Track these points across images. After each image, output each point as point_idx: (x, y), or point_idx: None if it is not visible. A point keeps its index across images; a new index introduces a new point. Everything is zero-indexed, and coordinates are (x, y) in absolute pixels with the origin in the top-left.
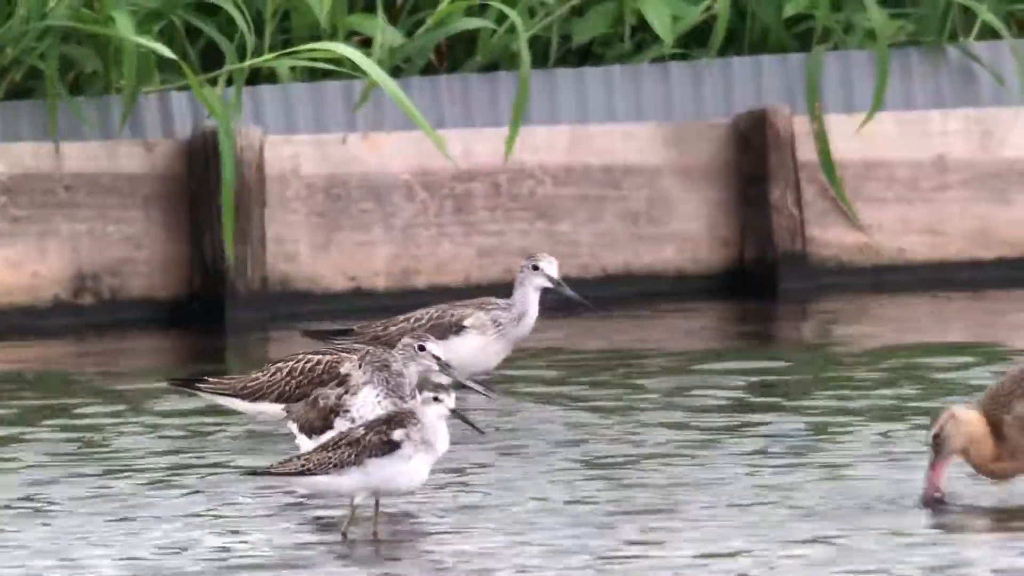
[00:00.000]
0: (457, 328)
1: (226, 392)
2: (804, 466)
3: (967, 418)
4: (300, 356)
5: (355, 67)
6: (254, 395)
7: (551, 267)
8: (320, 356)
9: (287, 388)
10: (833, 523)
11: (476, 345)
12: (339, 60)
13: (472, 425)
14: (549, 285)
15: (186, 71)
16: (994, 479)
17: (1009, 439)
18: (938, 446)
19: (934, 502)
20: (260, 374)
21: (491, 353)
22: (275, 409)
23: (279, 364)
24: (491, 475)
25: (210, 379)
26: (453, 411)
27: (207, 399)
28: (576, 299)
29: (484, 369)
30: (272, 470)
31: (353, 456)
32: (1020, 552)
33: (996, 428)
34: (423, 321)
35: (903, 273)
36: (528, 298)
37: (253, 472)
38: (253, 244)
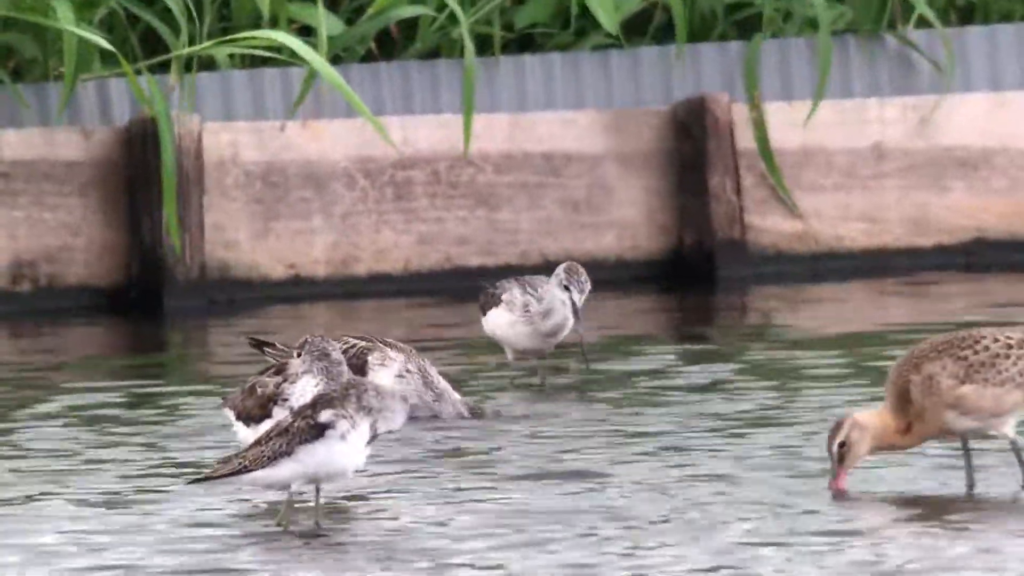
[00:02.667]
0: (497, 300)
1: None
2: (733, 454)
3: (869, 421)
4: (343, 339)
5: (295, 55)
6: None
7: (578, 295)
8: (355, 341)
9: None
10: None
11: (505, 321)
12: (278, 48)
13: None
14: (569, 309)
15: (122, 61)
16: (897, 450)
17: (915, 402)
18: (843, 456)
19: (841, 496)
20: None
21: (520, 334)
22: None
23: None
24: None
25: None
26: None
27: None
28: (583, 343)
29: (523, 347)
30: (212, 475)
31: (284, 445)
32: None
33: (903, 394)
34: (492, 289)
35: (841, 260)
36: (554, 302)
37: (194, 480)
38: (192, 231)
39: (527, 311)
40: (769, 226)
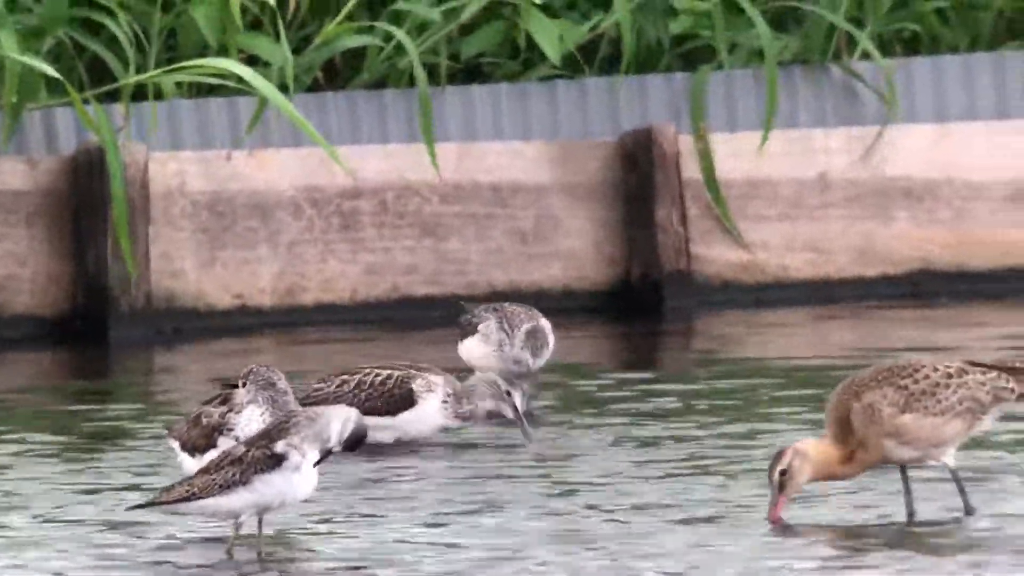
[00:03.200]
0: (473, 329)
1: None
2: (685, 475)
3: (811, 450)
4: (368, 369)
5: (242, 84)
6: (319, 405)
7: (519, 397)
8: (391, 370)
9: (355, 401)
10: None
11: (479, 352)
12: (224, 76)
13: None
14: (524, 361)
15: (68, 88)
16: (838, 479)
17: (856, 429)
18: (783, 484)
19: (777, 524)
20: (324, 384)
21: (494, 366)
22: None
23: (343, 376)
24: (383, 488)
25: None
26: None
27: None
28: (528, 399)
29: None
30: (157, 500)
31: (239, 475)
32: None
33: (843, 422)
34: (473, 314)
35: (786, 290)
36: (518, 353)
37: (139, 505)
38: (138, 261)
39: (500, 349)
40: (715, 257)
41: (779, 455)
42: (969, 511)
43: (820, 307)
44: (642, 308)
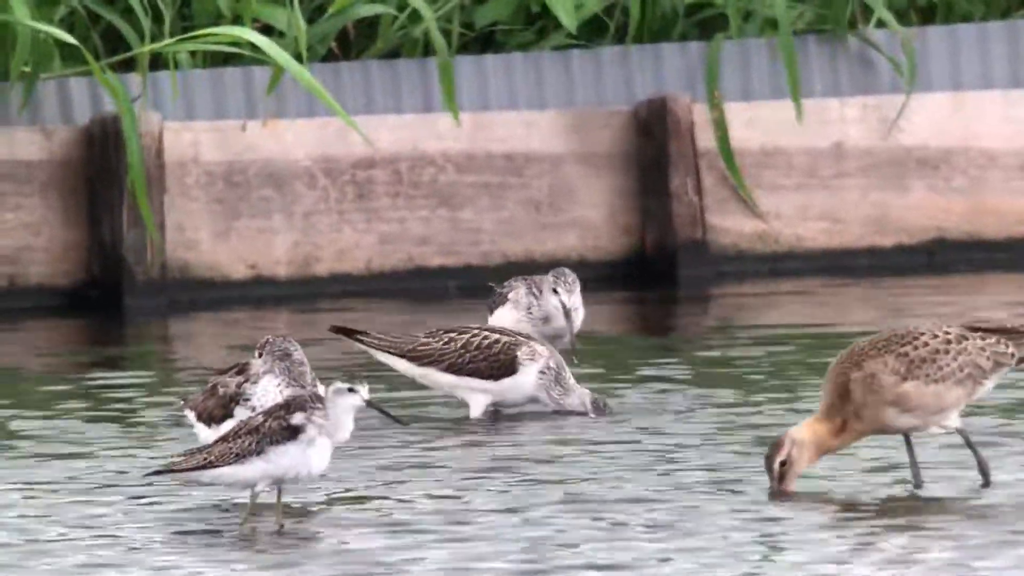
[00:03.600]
0: (503, 299)
1: (391, 350)
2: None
3: (805, 436)
4: (476, 331)
5: (256, 53)
6: (423, 359)
7: (568, 297)
8: (499, 335)
9: (459, 360)
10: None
11: (510, 319)
12: (239, 45)
13: (390, 416)
14: (561, 309)
15: (87, 57)
16: (833, 452)
17: (854, 398)
18: (784, 474)
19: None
20: (431, 339)
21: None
22: (442, 377)
23: (451, 334)
24: (394, 471)
25: (373, 333)
26: (368, 402)
27: (368, 352)
28: (573, 343)
29: None
30: (174, 467)
31: (254, 444)
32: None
33: (842, 391)
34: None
35: (801, 260)
36: (549, 308)
37: (156, 471)
38: (152, 230)
39: (529, 312)
40: (730, 226)
41: (777, 446)
42: (984, 473)
43: (835, 276)
44: (657, 277)
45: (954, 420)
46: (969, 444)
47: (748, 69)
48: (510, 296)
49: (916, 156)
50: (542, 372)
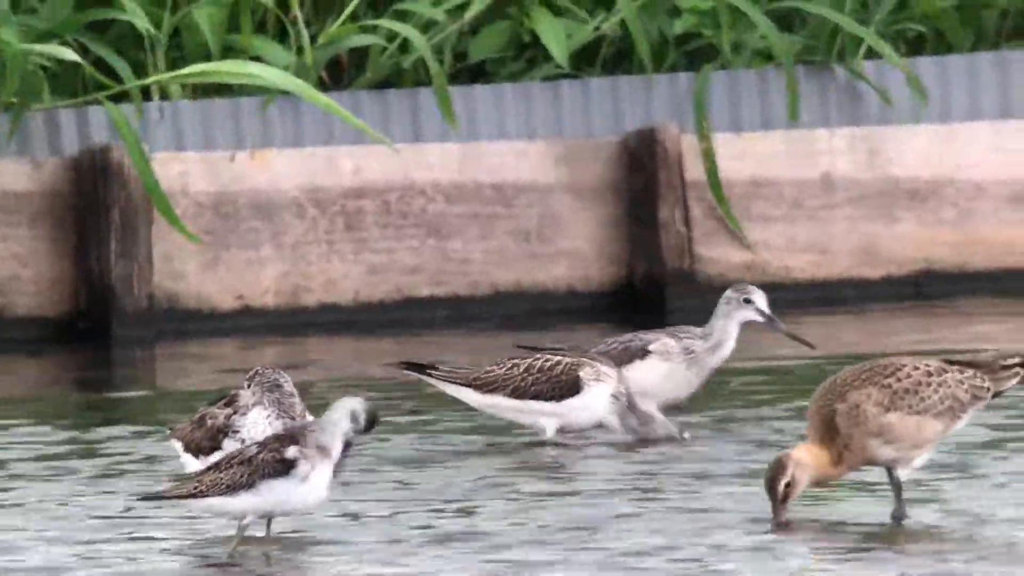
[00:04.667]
0: (643, 353)
1: (458, 381)
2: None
3: (808, 458)
4: (539, 355)
5: (243, 85)
6: (487, 387)
7: (762, 301)
8: (560, 357)
9: (522, 384)
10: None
11: (660, 371)
12: (227, 77)
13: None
14: (759, 319)
15: (104, 81)
16: (828, 482)
17: (841, 431)
18: (787, 495)
19: (785, 525)
20: (495, 367)
21: (679, 381)
22: (506, 403)
23: (515, 360)
24: (377, 491)
25: (442, 367)
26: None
27: (437, 385)
28: (790, 333)
29: (674, 397)
30: (165, 493)
31: (246, 477)
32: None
33: (828, 424)
34: (615, 345)
35: (789, 291)
36: (729, 331)
37: (145, 497)
38: (140, 262)
39: (691, 353)
40: (718, 257)
41: (780, 467)
42: (900, 516)
43: (823, 307)
44: (645, 308)
45: (923, 459)
46: (898, 490)
47: (737, 100)
48: (653, 348)
49: (904, 187)
50: (614, 397)
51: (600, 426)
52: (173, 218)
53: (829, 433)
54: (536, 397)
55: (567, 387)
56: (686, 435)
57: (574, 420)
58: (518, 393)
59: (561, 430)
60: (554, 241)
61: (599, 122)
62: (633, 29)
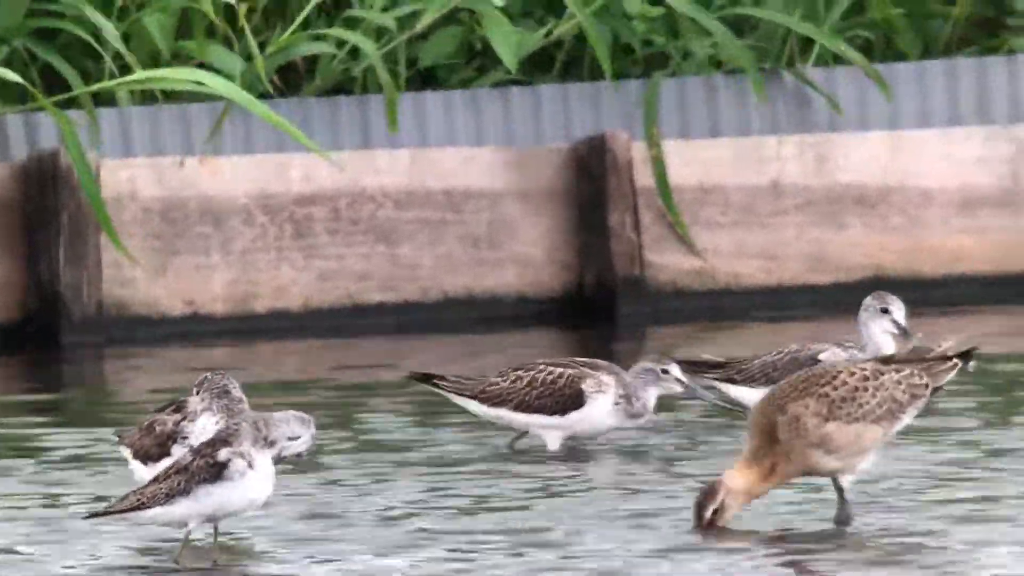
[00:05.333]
0: (812, 362)
1: (464, 393)
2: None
3: (738, 483)
4: (541, 366)
5: (194, 91)
6: (493, 400)
7: (899, 312)
8: (562, 369)
9: (527, 398)
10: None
11: None
12: (193, 83)
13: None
14: (894, 331)
15: (37, 95)
16: (760, 497)
17: (782, 440)
18: (714, 521)
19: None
20: (500, 379)
21: None
22: (511, 416)
23: (519, 372)
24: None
25: (450, 377)
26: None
27: (445, 396)
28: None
29: None
30: (111, 510)
31: (183, 484)
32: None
33: (769, 435)
34: (783, 356)
35: (739, 298)
36: (877, 340)
37: (92, 515)
38: (89, 268)
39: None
40: (668, 263)
41: (711, 494)
42: (844, 521)
43: (773, 313)
44: (595, 315)
45: (867, 465)
46: (841, 495)
47: (686, 107)
48: (823, 357)
49: (853, 194)
50: (616, 403)
51: (617, 430)
52: (110, 231)
53: (768, 443)
54: (540, 411)
55: (570, 400)
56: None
57: (580, 432)
58: (523, 407)
59: (569, 439)
60: (504, 247)
61: (549, 129)
62: (591, 34)
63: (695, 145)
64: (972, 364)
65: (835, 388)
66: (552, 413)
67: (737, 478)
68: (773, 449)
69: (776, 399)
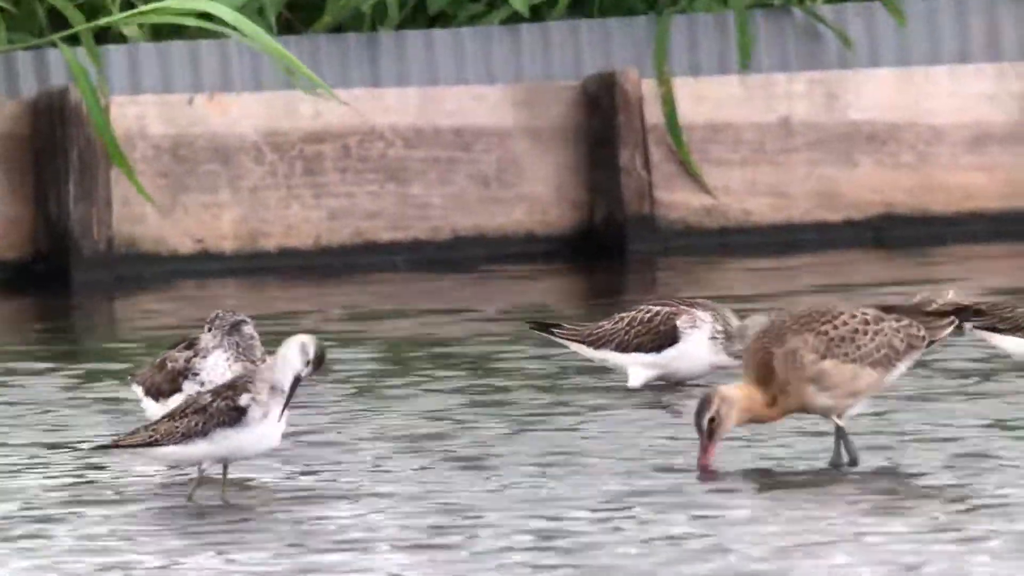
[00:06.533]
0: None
1: (575, 338)
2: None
3: (736, 395)
4: (641, 306)
5: (207, 24)
6: (597, 343)
7: None
8: (660, 307)
9: (626, 337)
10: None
11: None
12: (196, 16)
13: None
14: None
15: (45, 30)
16: (763, 423)
17: (778, 375)
18: (712, 431)
19: (709, 472)
20: (606, 322)
21: None
22: (615, 357)
23: (623, 314)
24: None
25: (565, 325)
26: None
27: (561, 344)
28: None
29: None
30: (119, 443)
31: (200, 425)
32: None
33: (766, 367)
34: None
35: (749, 235)
36: None
37: (100, 447)
38: (99, 205)
39: None
40: (678, 201)
41: (706, 402)
42: (838, 464)
43: (783, 251)
44: (605, 252)
45: (858, 408)
46: (839, 437)
47: (696, 44)
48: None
49: (864, 131)
50: (712, 338)
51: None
52: (124, 165)
53: (766, 376)
54: (638, 349)
55: (665, 337)
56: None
57: (679, 369)
58: (623, 347)
59: (671, 379)
60: (514, 185)
61: (559, 66)
62: None
63: (705, 82)
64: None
65: (835, 327)
66: (649, 351)
67: (735, 390)
68: (771, 381)
69: (776, 332)
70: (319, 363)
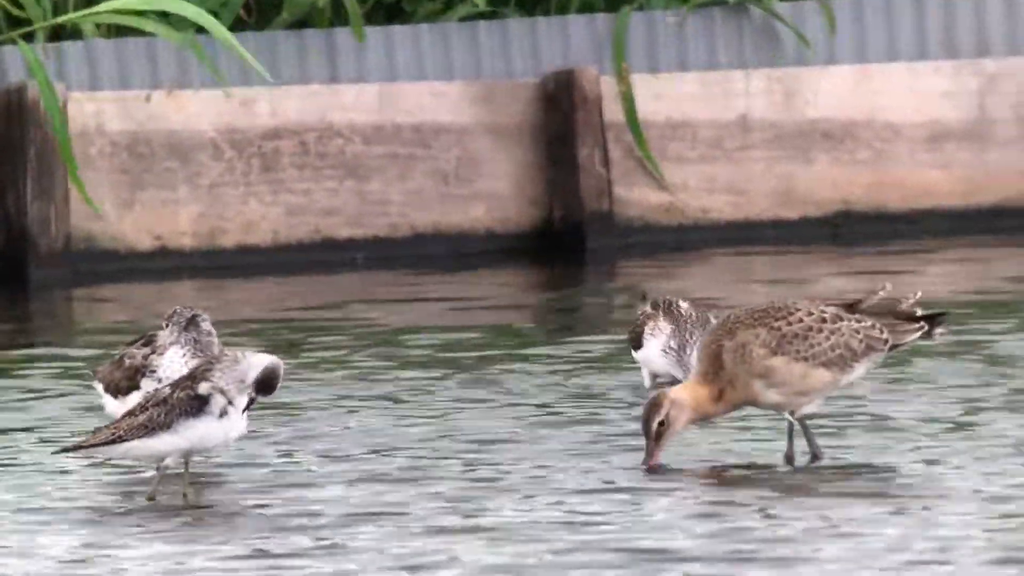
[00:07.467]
0: None
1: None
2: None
3: (685, 397)
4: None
5: (162, 24)
6: (633, 343)
7: None
8: (649, 308)
9: (629, 336)
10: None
11: None
12: (143, 15)
13: None
14: None
15: (22, 20)
16: (711, 419)
17: (726, 367)
18: (661, 434)
19: (658, 470)
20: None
21: None
22: (634, 355)
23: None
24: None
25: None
26: None
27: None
28: None
29: None
30: (83, 444)
31: (163, 416)
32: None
33: (716, 358)
34: None
35: (707, 232)
36: None
37: (65, 449)
38: (56, 202)
39: None
40: (637, 198)
41: (655, 405)
42: (817, 456)
43: (741, 248)
44: (565, 250)
45: (811, 407)
46: (790, 434)
47: (655, 41)
48: None
49: (821, 128)
50: (664, 351)
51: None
52: (72, 169)
53: (714, 368)
54: (631, 347)
55: (636, 339)
56: None
57: (650, 369)
58: (631, 344)
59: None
60: (473, 182)
61: (518, 63)
62: None
63: (663, 79)
64: (940, 332)
65: (789, 324)
66: (634, 349)
67: (683, 392)
68: (719, 374)
69: (729, 324)
70: (262, 389)
